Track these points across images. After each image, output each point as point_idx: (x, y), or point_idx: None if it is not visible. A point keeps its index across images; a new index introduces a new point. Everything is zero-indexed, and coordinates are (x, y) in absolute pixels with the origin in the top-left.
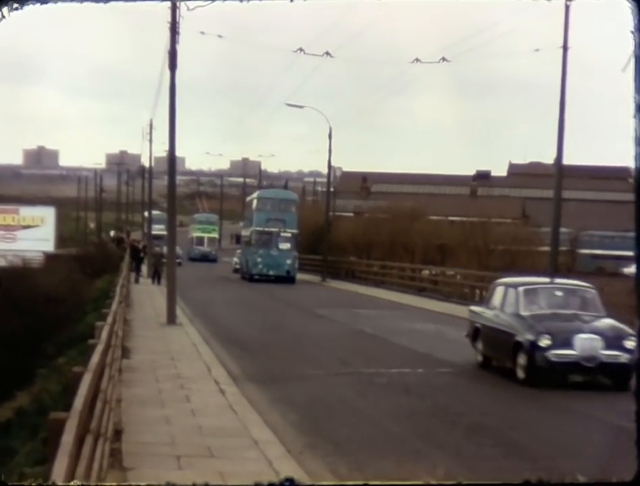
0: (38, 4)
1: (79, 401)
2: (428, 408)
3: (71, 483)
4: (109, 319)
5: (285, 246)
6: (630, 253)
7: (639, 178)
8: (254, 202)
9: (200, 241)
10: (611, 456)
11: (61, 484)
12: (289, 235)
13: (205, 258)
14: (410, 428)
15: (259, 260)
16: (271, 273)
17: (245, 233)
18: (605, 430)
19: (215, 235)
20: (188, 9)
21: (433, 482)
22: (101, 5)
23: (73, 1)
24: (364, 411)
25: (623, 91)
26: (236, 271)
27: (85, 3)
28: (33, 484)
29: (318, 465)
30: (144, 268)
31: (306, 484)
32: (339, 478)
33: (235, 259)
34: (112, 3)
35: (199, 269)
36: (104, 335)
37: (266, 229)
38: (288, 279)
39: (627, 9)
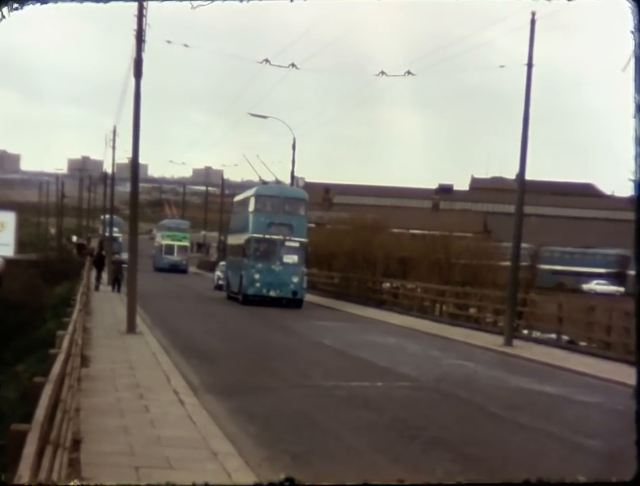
0: (38, 4)
1: (40, 413)
2: (387, 421)
3: (71, 483)
4: (70, 328)
5: (291, 258)
6: (590, 269)
7: (639, 179)
8: (251, 202)
9: (169, 249)
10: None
11: (61, 484)
12: (296, 244)
13: (175, 269)
14: (369, 442)
15: (257, 276)
16: (272, 293)
17: (235, 241)
18: (561, 446)
19: (186, 243)
20: (192, 7)
21: (433, 482)
22: (76, 4)
23: (73, 1)
24: (323, 424)
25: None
26: (218, 287)
27: (76, 3)
28: (33, 484)
29: (276, 478)
30: (104, 276)
31: (306, 485)
32: (318, 478)
33: (219, 273)
34: (86, 5)
35: (168, 282)
36: (65, 344)
37: (267, 236)
38: (294, 302)
39: (627, 9)
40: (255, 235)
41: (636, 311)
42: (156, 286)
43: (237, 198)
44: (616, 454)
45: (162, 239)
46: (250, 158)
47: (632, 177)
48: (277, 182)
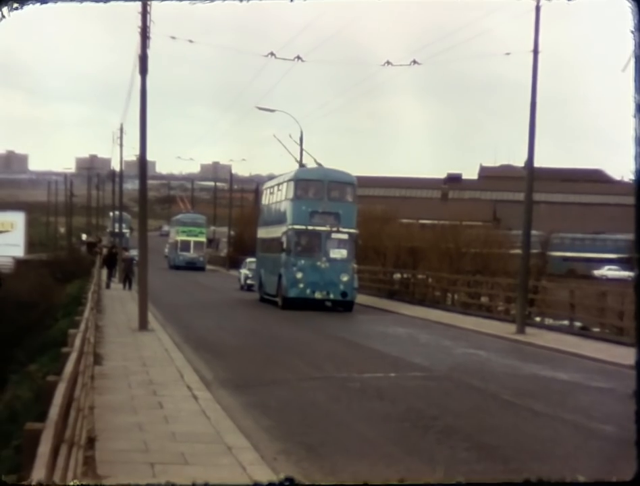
0: (38, 4)
1: (54, 412)
2: (401, 412)
3: (71, 483)
4: (82, 326)
5: (339, 253)
6: (601, 255)
7: (639, 178)
8: (290, 188)
9: (185, 246)
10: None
11: (61, 484)
12: (344, 236)
13: (191, 266)
14: (383, 433)
15: (300, 275)
16: (317, 295)
17: (268, 235)
18: (575, 432)
19: (203, 238)
20: (191, 3)
21: (433, 482)
22: (77, 4)
23: (74, 1)
24: (337, 416)
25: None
26: (247, 287)
27: (76, 3)
28: (33, 484)
29: (292, 470)
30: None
31: (306, 484)
32: (316, 482)
33: (246, 271)
34: (87, 4)
35: (187, 282)
36: (77, 342)
37: (309, 227)
38: (344, 305)
39: (627, 9)
40: (296, 226)
41: (636, 310)
42: (173, 288)
43: (269, 184)
44: (631, 439)
45: (177, 235)
46: (259, 152)
47: (633, 177)
48: (318, 165)
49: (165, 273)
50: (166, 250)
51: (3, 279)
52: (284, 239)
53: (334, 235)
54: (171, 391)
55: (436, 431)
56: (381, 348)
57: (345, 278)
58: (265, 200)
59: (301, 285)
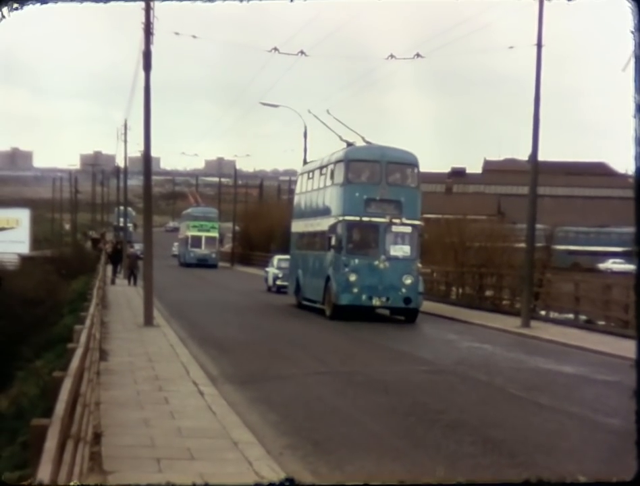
0: (38, 4)
1: (60, 407)
2: (407, 406)
3: (71, 483)
4: (87, 322)
5: (401, 250)
6: (605, 248)
7: (639, 178)
8: (339, 170)
9: (196, 241)
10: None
11: (60, 484)
12: (408, 229)
13: (203, 263)
14: (389, 427)
15: (353, 278)
16: (375, 302)
17: (306, 228)
18: (581, 426)
19: (215, 234)
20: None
21: (433, 482)
22: (77, 4)
23: (74, 1)
24: (343, 410)
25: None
26: (277, 289)
27: (74, 3)
28: (33, 484)
29: (298, 465)
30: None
31: (306, 484)
32: (319, 478)
33: (274, 271)
34: (87, 4)
35: (198, 279)
36: (83, 338)
37: (365, 219)
38: (407, 314)
39: (627, 9)
40: (348, 217)
41: (636, 308)
42: (184, 288)
43: (307, 168)
44: (635, 431)
45: (187, 230)
46: (263, 148)
47: (633, 177)
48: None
49: (175, 272)
50: (174, 249)
51: (2, 278)
52: (332, 233)
53: (395, 228)
54: (177, 387)
55: (442, 425)
56: (386, 342)
57: (408, 281)
58: (302, 187)
59: (355, 290)
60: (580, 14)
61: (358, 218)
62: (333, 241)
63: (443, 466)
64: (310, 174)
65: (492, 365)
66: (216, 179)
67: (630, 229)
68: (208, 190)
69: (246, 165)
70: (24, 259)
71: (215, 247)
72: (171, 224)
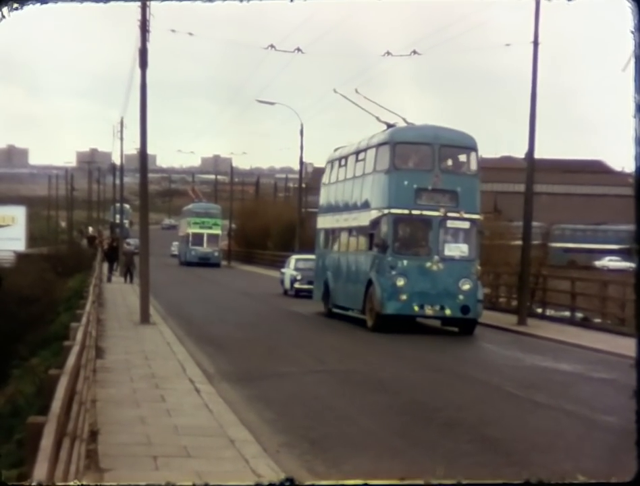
0: (38, 4)
1: (56, 405)
2: (404, 404)
3: (71, 483)
4: (83, 320)
5: (457, 249)
6: (602, 246)
7: (639, 178)
8: (383, 155)
9: (197, 239)
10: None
11: (60, 484)
12: (466, 224)
13: (204, 262)
14: (387, 425)
15: (401, 283)
16: (428, 310)
17: (342, 224)
18: (578, 424)
19: (218, 231)
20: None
21: (433, 482)
22: (77, 4)
23: (74, 1)
24: (339, 408)
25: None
26: (296, 293)
27: (74, 3)
28: (33, 484)
29: (295, 463)
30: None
31: (306, 484)
32: (316, 476)
33: (292, 272)
34: (87, 3)
35: (204, 281)
36: (79, 336)
37: (414, 212)
38: (464, 325)
39: (627, 9)
40: (395, 210)
41: (636, 307)
42: (185, 289)
43: (338, 154)
44: (633, 431)
45: (188, 227)
46: (259, 146)
47: (633, 177)
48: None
49: (175, 272)
50: (172, 248)
51: (2, 278)
52: (375, 229)
53: (450, 223)
54: (173, 385)
55: (439, 423)
56: (382, 340)
57: (466, 286)
58: (331, 176)
59: (404, 297)
60: (580, 14)
61: (406, 211)
62: (375, 239)
63: (443, 466)
64: (343, 161)
65: (488, 363)
66: (212, 177)
67: (627, 227)
68: (204, 187)
69: (243, 163)
70: (20, 257)
71: (217, 245)
72: (167, 221)
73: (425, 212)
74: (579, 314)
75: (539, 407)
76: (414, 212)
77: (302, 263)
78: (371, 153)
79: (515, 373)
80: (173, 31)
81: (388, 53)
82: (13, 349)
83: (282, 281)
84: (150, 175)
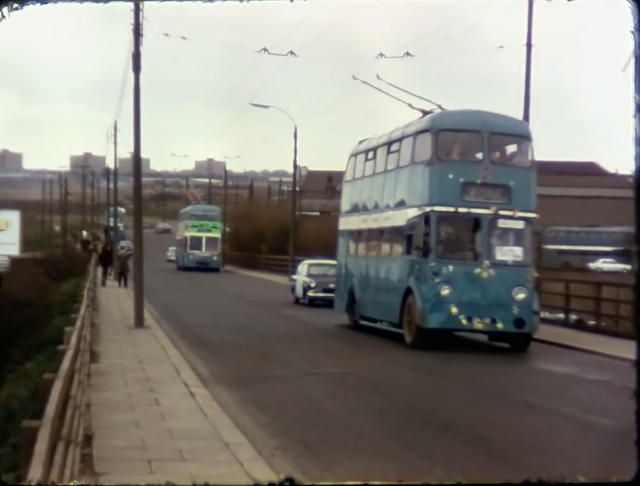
0: (38, 4)
1: (51, 409)
2: (397, 406)
3: (71, 483)
4: (78, 324)
5: (510, 253)
6: (596, 248)
7: (639, 178)
8: (424, 144)
9: (196, 243)
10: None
11: (60, 484)
12: (520, 224)
13: (203, 267)
14: (380, 428)
15: (447, 292)
16: (477, 324)
17: (372, 224)
18: (572, 426)
19: (217, 234)
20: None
21: (432, 482)
22: (76, 4)
23: (74, 1)
24: (333, 411)
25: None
26: (310, 301)
27: (76, 3)
28: (32, 484)
29: (289, 466)
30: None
31: (306, 484)
32: (311, 479)
33: (305, 279)
34: (86, 4)
35: (204, 287)
36: (73, 340)
37: (461, 210)
38: (517, 340)
39: (627, 9)
40: (438, 208)
41: (635, 307)
42: (186, 299)
43: (364, 146)
44: (628, 432)
45: (186, 231)
46: (253, 149)
47: (633, 178)
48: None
49: (173, 278)
50: (169, 253)
51: (1, 278)
52: (414, 230)
53: (502, 223)
54: (167, 388)
55: (433, 425)
56: (378, 342)
57: (521, 295)
58: (356, 172)
59: (451, 308)
60: (580, 14)
61: (452, 209)
62: (415, 242)
63: (441, 467)
64: (371, 153)
65: (482, 365)
66: (206, 180)
67: (620, 229)
68: (198, 191)
69: (236, 166)
70: (14, 261)
71: (216, 249)
72: (161, 225)
73: (473, 210)
74: (573, 317)
75: (533, 409)
76: (461, 209)
77: (316, 269)
78: (408, 143)
79: (509, 375)
80: (166, 35)
81: (381, 55)
82: (7, 353)
83: (293, 289)
84: (144, 179)
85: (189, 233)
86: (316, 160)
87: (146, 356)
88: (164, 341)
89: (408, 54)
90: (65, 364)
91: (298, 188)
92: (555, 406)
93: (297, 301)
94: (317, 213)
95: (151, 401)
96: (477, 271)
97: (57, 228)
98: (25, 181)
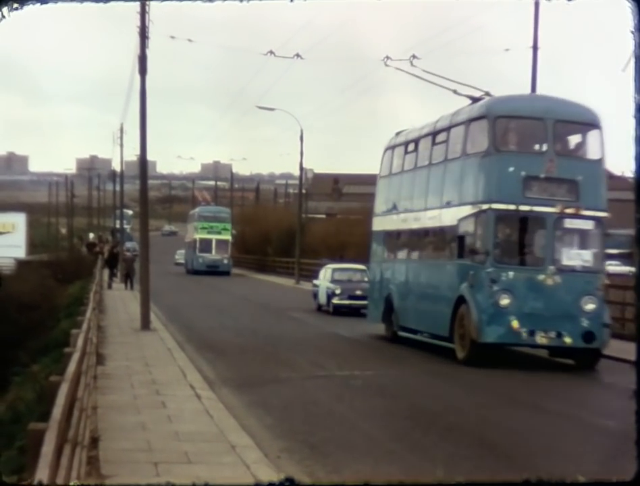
0: (38, 4)
1: (57, 412)
2: (403, 409)
3: (71, 483)
4: (84, 326)
5: (578, 258)
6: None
7: (639, 178)
8: (479, 132)
9: (205, 245)
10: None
11: (60, 484)
12: (589, 224)
13: (213, 270)
14: (386, 430)
15: (506, 301)
16: (540, 339)
17: (413, 225)
18: (579, 428)
19: (227, 236)
20: None
21: (433, 482)
22: (77, 4)
23: (74, 1)
24: (339, 413)
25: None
26: (335, 309)
27: (76, 3)
28: (33, 483)
29: (295, 469)
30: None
31: (306, 484)
32: (318, 480)
33: (328, 284)
34: (87, 4)
35: (214, 292)
36: (79, 342)
37: (523, 208)
38: (584, 356)
39: (627, 9)
40: (497, 206)
41: (636, 308)
42: (199, 306)
43: (403, 138)
44: (633, 435)
45: (195, 233)
46: (259, 152)
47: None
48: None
49: (181, 282)
50: (177, 257)
51: (2, 279)
52: (467, 231)
53: (569, 223)
54: (174, 391)
55: (438, 428)
56: (384, 345)
57: (590, 305)
58: (393, 166)
59: (511, 320)
60: (580, 14)
61: (512, 206)
62: (468, 244)
63: (443, 467)
64: (411, 146)
65: (488, 367)
66: (212, 183)
67: (626, 231)
68: (203, 193)
69: (242, 169)
70: (20, 263)
71: (227, 252)
72: (167, 228)
73: (537, 208)
74: None
75: (538, 411)
76: (522, 207)
77: (340, 274)
78: (458, 132)
79: (514, 377)
80: (172, 37)
81: (387, 58)
82: (13, 355)
83: (315, 295)
84: (150, 182)
85: (198, 236)
86: (323, 163)
87: (152, 359)
88: (170, 343)
89: (414, 57)
90: (72, 367)
91: (304, 191)
92: (560, 408)
93: (319, 308)
94: (323, 216)
95: (157, 404)
96: (541, 277)
97: (63, 231)
98: (31, 183)
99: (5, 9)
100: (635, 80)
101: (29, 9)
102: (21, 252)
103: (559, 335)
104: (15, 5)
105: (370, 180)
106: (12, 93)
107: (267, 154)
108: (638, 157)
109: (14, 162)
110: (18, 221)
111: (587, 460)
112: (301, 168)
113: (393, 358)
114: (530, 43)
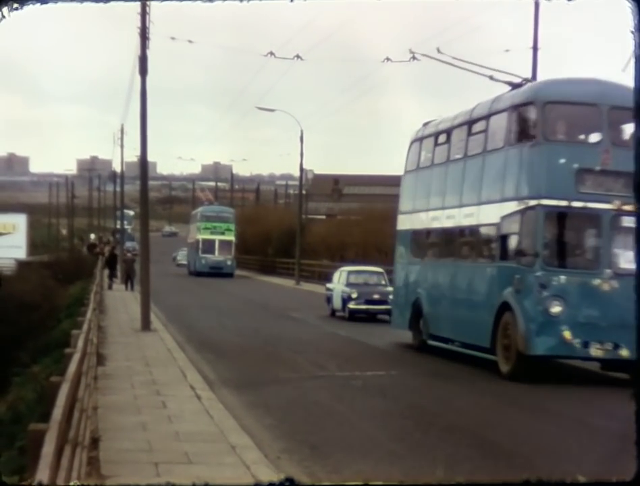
0: (38, 4)
1: (58, 412)
2: (404, 409)
3: (72, 483)
4: (85, 327)
5: (633, 260)
6: None
7: (639, 179)
8: (524, 119)
9: (208, 246)
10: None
11: (61, 485)
12: None
13: (216, 272)
14: (386, 430)
15: (558, 309)
16: (595, 351)
17: (443, 222)
18: (579, 429)
19: (231, 237)
20: None
21: (433, 482)
22: (77, 4)
23: (74, 1)
24: (340, 414)
25: None
26: (351, 314)
27: (76, 3)
28: (33, 484)
29: (295, 469)
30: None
31: (306, 485)
32: (318, 480)
33: (345, 289)
34: (87, 4)
35: (220, 295)
36: (80, 343)
37: (576, 204)
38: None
39: (627, 9)
40: (547, 202)
41: (636, 308)
42: (204, 309)
43: (434, 128)
44: (633, 436)
45: (198, 233)
46: (259, 152)
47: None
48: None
49: (183, 284)
50: (178, 258)
51: (2, 279)
52: (512, 230)
53: (627, 221)
54: (174, 391)
55: (439, 428)
56: (383, 346)
57: None
58: (421, 160)
59: (563, 330)
60: (580, 14)
61: (564, 202)
62: (514, 244)
63: (443, 467)
64: (443, 136)
65: (487, 368)
66: (212, 184)
67: None
68: (207, 193)
69: (243, 170)
70: (21, 264)
71: (230, 252)
72: (168, 229)
73: (591, 205)
74: None
75: (540, 411)
76: (575, 204)
77: (355, 277)
78: (499, 120)
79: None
80: (172, 38)
81: (388, 59)
82: (14, 356)
83: (329, 299)
84: (151, 183)
85: (201, 236)
86: (323, 164)
87: (152, 359)
88: (170, 344)
89: (414, 58)
90: (72, 367)
91: (304, 191)
92: (562, 409)
93: (333, 313)
94: (323, 216)
95: (158, 404)
96: (596, 282)
97: (64, 231)
98: (32, 184)
99: (5, 9)
100: (635, 80)
101: (29, 9)
102: (21, 253)
103: (616, 347)
104: (15, 5)
105: (370, 181)
106: (12, 93)
107: (267, 155)
108: (639, 157)
109: (15, 163)
110: (19, 221)
111: None
112: (301, 169)
113: (434, 372)
114: (530, 43)
